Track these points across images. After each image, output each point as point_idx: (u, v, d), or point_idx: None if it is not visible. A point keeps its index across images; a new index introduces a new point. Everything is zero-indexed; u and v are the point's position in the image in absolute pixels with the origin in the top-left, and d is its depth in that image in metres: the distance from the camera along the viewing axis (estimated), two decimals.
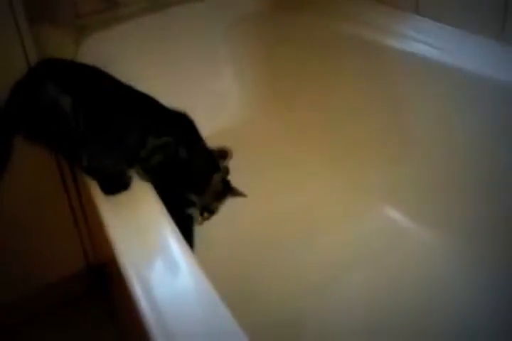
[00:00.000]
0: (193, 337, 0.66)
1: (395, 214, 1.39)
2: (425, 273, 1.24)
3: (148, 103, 0.95)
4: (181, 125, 0.98)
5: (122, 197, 0.89)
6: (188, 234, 0.99)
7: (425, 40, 1.23)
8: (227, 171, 1.06)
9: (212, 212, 1.03)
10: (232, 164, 1.59)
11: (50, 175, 1.23)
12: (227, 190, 1.03)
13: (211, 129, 1.70)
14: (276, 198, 1.44)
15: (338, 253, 1.31)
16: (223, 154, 1.07)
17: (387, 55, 1.32)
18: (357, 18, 1.39)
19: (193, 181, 0.99)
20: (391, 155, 1.42)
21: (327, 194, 1.48)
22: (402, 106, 1.35)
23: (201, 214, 1.02)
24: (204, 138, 1.03)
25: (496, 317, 1.11)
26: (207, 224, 1.05)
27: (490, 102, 1.14)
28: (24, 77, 0.91)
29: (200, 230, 1.05)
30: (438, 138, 1.29)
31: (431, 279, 1.23)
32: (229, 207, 1.05)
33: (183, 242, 0.80)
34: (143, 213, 0.86)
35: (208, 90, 1.67)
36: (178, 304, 0.71)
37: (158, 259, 0.79)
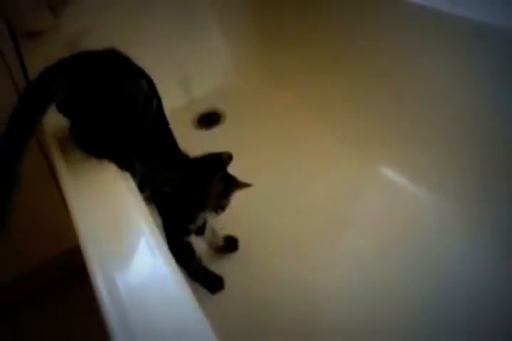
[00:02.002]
0: (156, 333, 0.63)
1: (392, 174, 1.38)
2: (422, 234, 1.24)
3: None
4: (183, 169, 1.01)
5: (92, 183, 0.85)
6: (188, 258, 1.08)
7: None
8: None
9: (223, 207, 1.06)
10: (224, 125, 1.56)
11: (33, 156, 1.20)
12: (232, 187, 1.04)
13: (202, 90, 1.69)
14: (268, 159, 1.45)
15: (333, 213, 1.31)
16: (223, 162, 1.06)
17: (393, 6, 1.24)
18: None
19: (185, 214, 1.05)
20: (387, 113, 1.37)
21: (320, 153, 1.47)
22: (406, 61, 1.28)
23: (215, 212, 1.06)
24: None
25: (494, 277, 1.12)
26: None
27: (501, 54, 1.07)
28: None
29: None
30: (438, 94, 1.23)
31: (427, 239, 1.23)
32: None
33: (152, 225, 0.77)
34: (112, 197, 0.82)
35: (196, 51, 1.65)
36: (142, 297, 0.67)
37: (126, 248, 0.75)
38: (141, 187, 0.89)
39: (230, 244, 1.24)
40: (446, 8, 1.12)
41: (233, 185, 1.04)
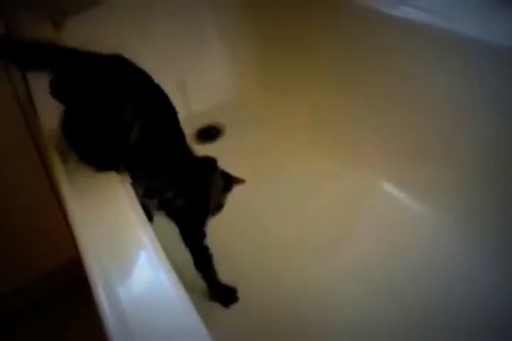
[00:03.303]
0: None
1: (392, 190, 1.38)
2: (422, 244, 1.25)
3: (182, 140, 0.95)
4: (192, 177, 0.99)
5: (93, 193, 0.83)
6: (207, 264, 1.09)
7: (414, 3, 1.20)
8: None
9: (221, 205, 1.07)
10: (223, 139, 1.54)
11: (33, 167, 1.20)
12: (230, 182, 1.05)
13: (204, 105, 1.69)
14: (268, 173, 1.45)
15: (333, 226, 1.31)
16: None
17: (377, 19, 1.27)
18: None
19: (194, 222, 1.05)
20: (386, 127, 1.38)
21: (321, 166, 1.47)
22: (396, 74, 1.30)
23: (213, 214, 1.06)
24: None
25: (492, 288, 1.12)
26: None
27: (483, 66, 1.09)
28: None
29: None
30: (431, 107, 1.25)
31: (427, 245, 1.24)
32: None
33: (154, 239, 0.76)
34: (113, 209, 0.81)
35: (198, 66, 1.65)
36: (144, 309, 0.65)
37: (127, 261, 0.74)
38: (148, 196, 0.89)
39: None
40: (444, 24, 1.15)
41: (231, 180, 1.06)
